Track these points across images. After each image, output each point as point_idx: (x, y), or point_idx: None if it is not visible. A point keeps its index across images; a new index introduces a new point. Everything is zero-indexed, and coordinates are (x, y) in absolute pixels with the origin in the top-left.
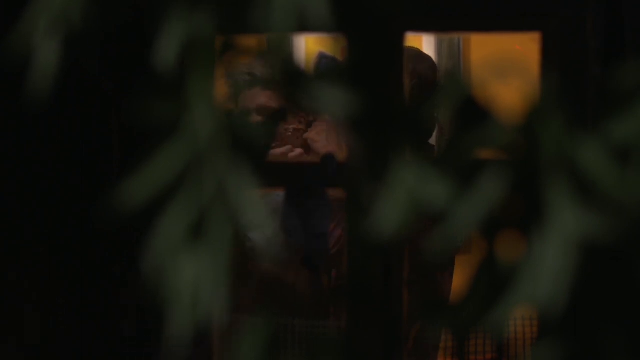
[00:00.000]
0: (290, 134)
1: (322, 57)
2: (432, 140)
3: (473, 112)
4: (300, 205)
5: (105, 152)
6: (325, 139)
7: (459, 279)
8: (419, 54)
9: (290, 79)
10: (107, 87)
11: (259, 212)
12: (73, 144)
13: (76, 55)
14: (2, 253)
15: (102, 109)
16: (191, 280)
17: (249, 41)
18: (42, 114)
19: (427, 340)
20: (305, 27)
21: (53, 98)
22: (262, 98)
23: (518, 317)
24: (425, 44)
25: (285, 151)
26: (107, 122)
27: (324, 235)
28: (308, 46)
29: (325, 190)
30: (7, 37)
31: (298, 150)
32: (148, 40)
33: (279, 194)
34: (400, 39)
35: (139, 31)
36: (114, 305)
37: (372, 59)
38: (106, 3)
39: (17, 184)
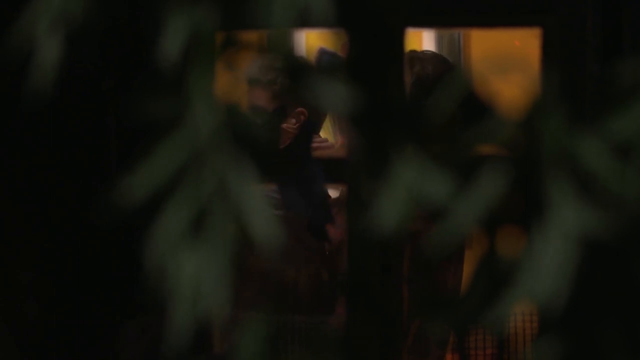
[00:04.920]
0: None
1: (323, 52)
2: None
3: (474, 108)
4: (291, 177)
5: (104, 151)
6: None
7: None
8: (433, 55)
9: (292, 74)
10: (107, 85)
11: (260, 207)
12: (72, 143)
13: (77, 52)
14: (2, 253)
15: (101, 108)
16: (192, 276)
17: (250, 37)
18: (41, 113)
19: (429, 336)
20: (306, 22)
21: (52, 96)
22: (263, 98)
23: (518, 313)
24: (426, 39)
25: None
26: (105, 120)
27: (322, 198)
28: (309, 42)
29: (309, 156)
30: (8, 34)
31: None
32: (148, 37)
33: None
34: (401, 34)
35: (139, 28)
36: (114, 305)
37: (372, 54)
38: (106, 0)
39: (16, 183)
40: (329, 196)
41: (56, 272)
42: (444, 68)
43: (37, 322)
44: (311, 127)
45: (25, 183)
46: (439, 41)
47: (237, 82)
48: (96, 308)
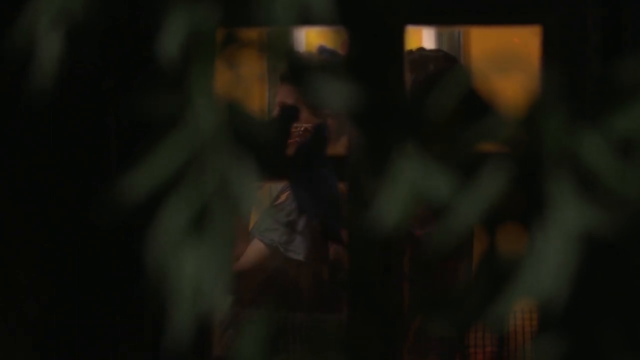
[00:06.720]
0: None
1: (323, 50)
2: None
3: (474, 106)
4: (303, 178)
5: (104, 151)
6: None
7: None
8: (440, 55)
9: (292, 72)
10: (107, 85)
11: (261, 204)
12: (72, 143)
13: (77, 51)
14: (2, 253)
15: (101, 108)
16: (193, 273)
17: (251, 34)
18: (41, 113)
19: (429, 334)
20: (306, 20)
21: (52, 96)
22: (281, 94)
23: (519, 311)
24: (426, 37)
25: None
26: (105, 120)
27: (335, 196)
28: (309, 39)
29: (322, 157)
30: (8, 34)
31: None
32: (148, 36)
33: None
34: (401, 32)
35: (139, 28)
36: (114, 305)
37: (372, 52)
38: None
39: (16, 183)
40: (341, 198)
41: (56, 272)
42: (449, 66)
43: (37, 322)
44: (324, 128)
45: (25, 183)
46: (439, 39)
47: (238, 80)
48: (96, 308)
